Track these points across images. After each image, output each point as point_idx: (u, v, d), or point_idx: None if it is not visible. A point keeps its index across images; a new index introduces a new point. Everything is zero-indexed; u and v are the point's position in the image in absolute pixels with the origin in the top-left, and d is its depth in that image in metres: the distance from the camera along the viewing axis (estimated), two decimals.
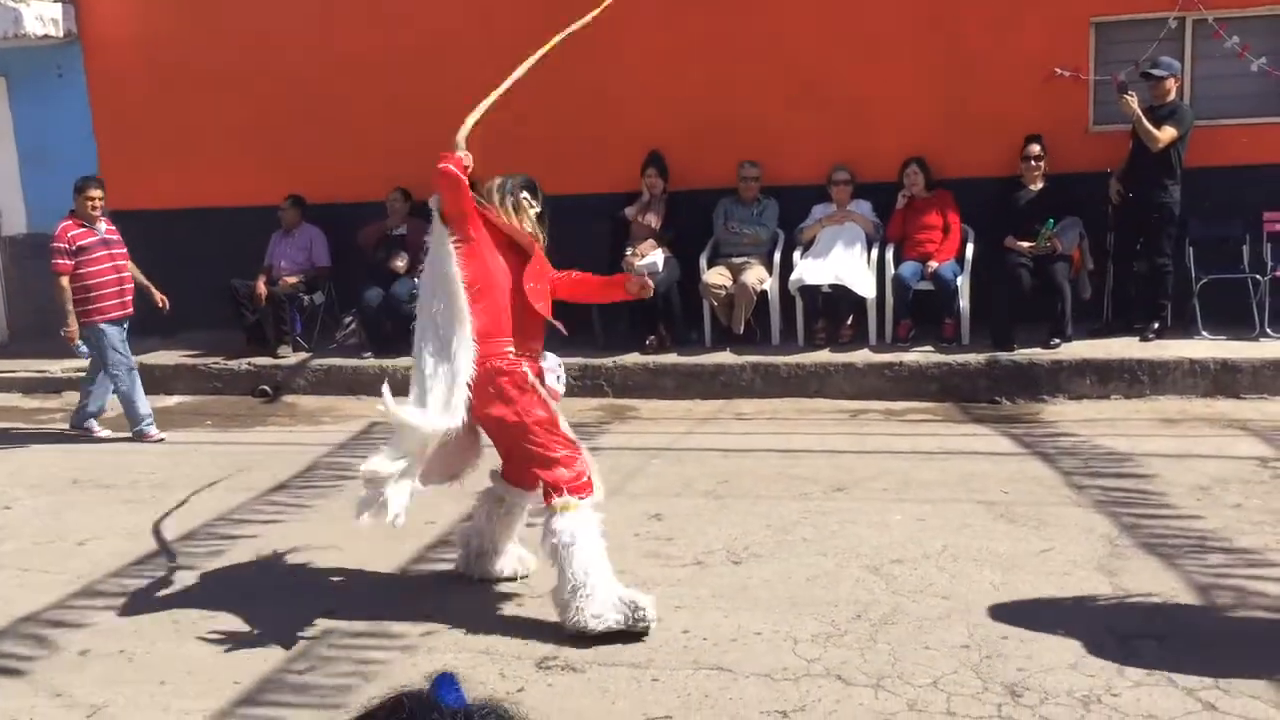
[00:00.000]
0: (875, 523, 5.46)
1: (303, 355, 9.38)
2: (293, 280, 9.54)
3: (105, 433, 8.13)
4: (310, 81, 9.94)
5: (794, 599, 4.64)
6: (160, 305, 8.24)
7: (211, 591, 5.08)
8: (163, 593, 5.10)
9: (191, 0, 10.22)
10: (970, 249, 8.56)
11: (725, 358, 8.41)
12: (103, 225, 8.00)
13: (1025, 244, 8.23)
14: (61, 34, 10.27)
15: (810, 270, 8.48)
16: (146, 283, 8.21)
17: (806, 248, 8.77)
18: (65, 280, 7.76)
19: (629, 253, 8.73)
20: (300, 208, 9.83)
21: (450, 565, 5.20)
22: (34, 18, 10.03)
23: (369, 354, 9.19)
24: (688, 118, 9.22)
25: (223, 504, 6.33)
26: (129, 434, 7.99)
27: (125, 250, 8.10)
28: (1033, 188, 8.46)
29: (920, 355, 8.15)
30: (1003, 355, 7.95)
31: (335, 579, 5.15)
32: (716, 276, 8.58)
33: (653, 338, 8.68)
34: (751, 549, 5.21)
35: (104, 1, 10.43)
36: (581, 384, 8.45)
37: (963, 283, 8.37)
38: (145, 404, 8.00)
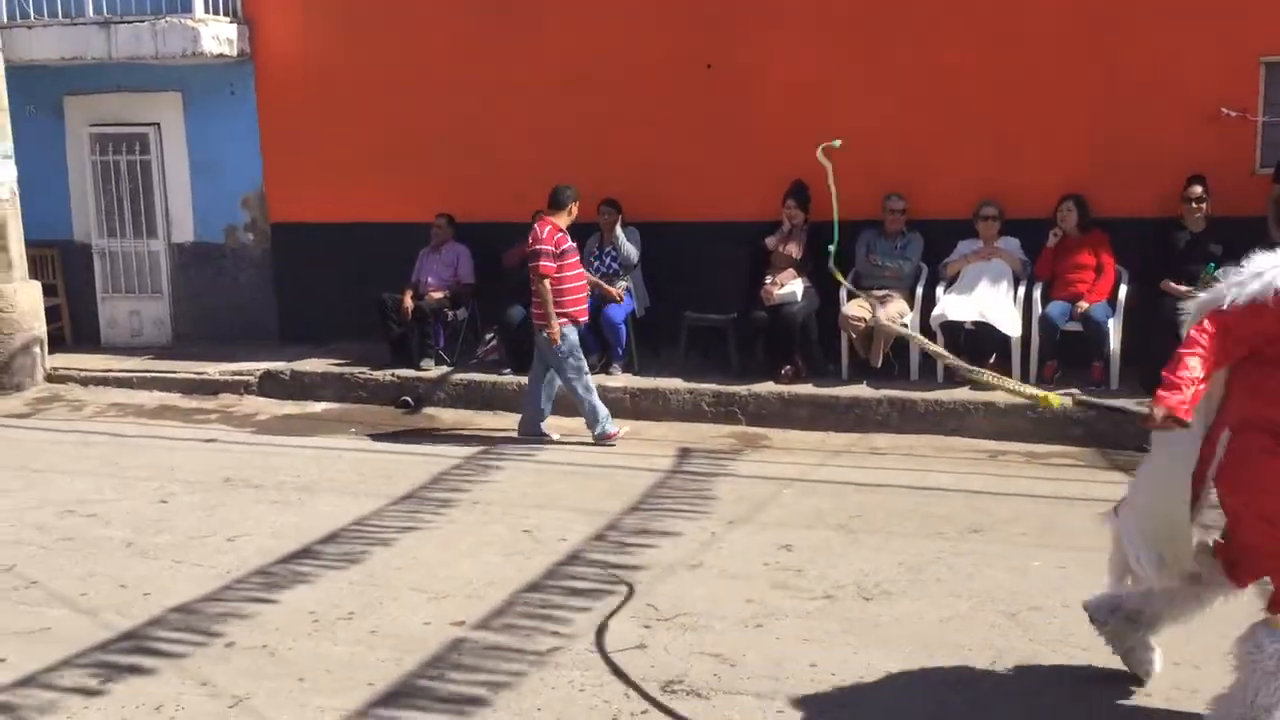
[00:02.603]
0: (1013, 567, 5.31)
1: (444, 369, 9.62)
2: (438, 295, 9.81)
3: (556, 435, 8.18)
4: (461, 106, 10.23)
5: (926, 640, 4.55)
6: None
7: (349, 593, 5.24)
8: (305, 592, 5.28)
9: (353, 25, 10.64)
10: (1123, 290, 8.28)
11: (861, 391, 8.30)
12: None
13: (1183, 287, 7.92)
14: (235, 54, 10.79)
15: (954, 306, 8.33)
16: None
17: (950, 283, 8.61)
18: (548, 283, 7.97)
19: (768, 281, 8.73)
20: (452, 226, 10.12)
21: (581, 583, 5.25)
22: (211, 37, 10.57)
23: (508, 370, 9.37)
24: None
25: (362, 509, 6.53)
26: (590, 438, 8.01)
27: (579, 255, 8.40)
28: (1193, 229, 8.15)
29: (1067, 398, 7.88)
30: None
31: (468, 589, 5.25)
32: (856, 308, 8.49)
33: (788, 368, 8.63)
34: (883, 585, 5.13)
35: (276, 23, 10.94)
36: (715, 411, 8.46)
37: (1114, 325, 8.10)
38: (601, 402, 8.09)
